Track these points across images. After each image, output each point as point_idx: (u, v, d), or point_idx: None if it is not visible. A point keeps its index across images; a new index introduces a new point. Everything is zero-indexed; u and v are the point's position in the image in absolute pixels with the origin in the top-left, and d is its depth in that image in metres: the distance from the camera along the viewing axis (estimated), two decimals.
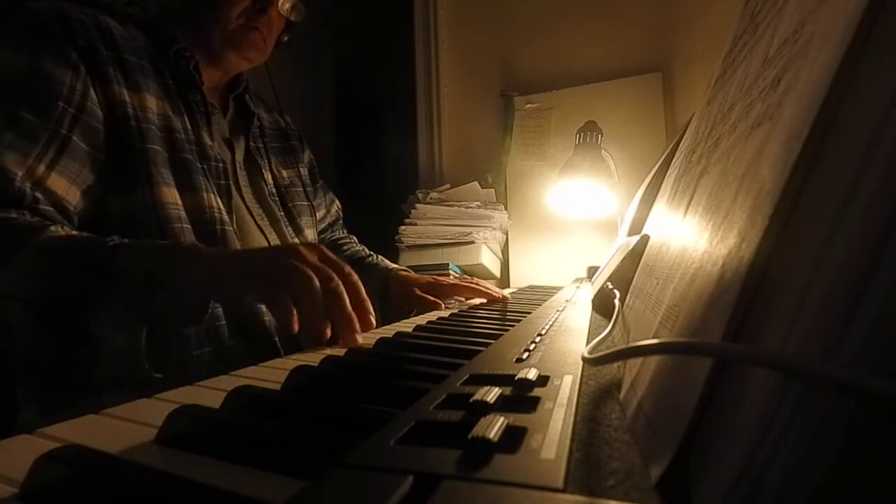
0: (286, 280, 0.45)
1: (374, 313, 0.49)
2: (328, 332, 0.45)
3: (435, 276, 0.91)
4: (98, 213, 0.63)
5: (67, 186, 0.60)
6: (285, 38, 0.85)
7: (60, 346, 0.57)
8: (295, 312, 0.44)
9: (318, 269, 0.47)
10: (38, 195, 0.57)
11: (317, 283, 0.45)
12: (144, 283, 0.49)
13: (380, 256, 1.04)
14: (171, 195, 0.66)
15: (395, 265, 1.00)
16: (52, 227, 0.54)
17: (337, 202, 1.10)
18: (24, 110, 0.57)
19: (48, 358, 0.62)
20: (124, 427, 0.25)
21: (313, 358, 0.40)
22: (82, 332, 0.54)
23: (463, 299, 0.89)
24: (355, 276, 0.50)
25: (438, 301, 0.80)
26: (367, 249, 1.05)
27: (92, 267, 0.51)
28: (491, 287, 0.90)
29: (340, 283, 0.47)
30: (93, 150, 0.62)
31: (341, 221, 1.12)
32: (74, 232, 0.56)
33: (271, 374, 0.37)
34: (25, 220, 0.54)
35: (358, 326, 0.46)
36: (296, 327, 0.44)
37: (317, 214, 0.98)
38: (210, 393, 0.32)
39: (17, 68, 0.58)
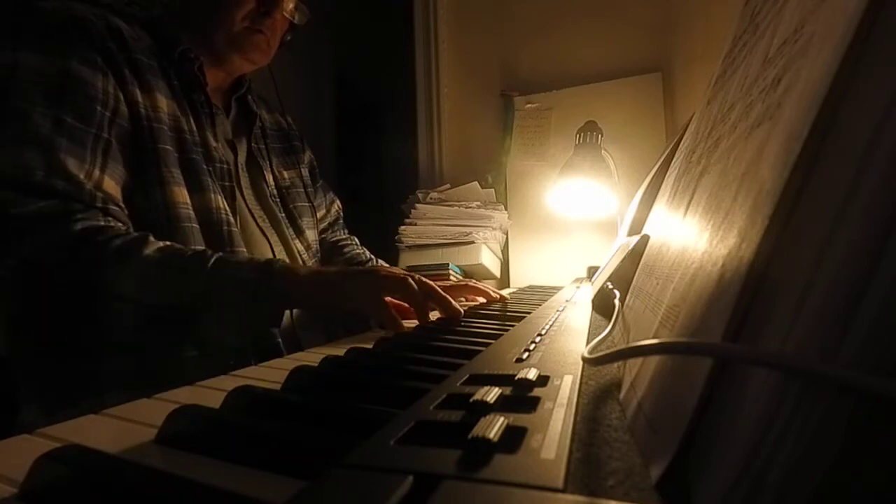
0: (386, 286, 0.58)
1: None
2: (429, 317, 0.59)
3: (433, 282, 0.92)
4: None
5: (115, 187, 0.62)
6: (287, 38, 0.85)
7: (159, 343, 0.62)
8: (388, 313, 0.56)
9: (406, 273, 0.60)
10: (103, 197, 0.59)
11: (410, 280, 0.58)
12: (247, 294, 0.56)
13: (380, 261, 1.04)
14: (182, 195, 0.66)
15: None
16: (150, 238, 0.58)
17: (337, 202, 1.10)
18: (68, 115, 0.58)
19: (50, 358, 0.62)
20: (124, 427, 0.25)
21: (313, 358, 0.40)
22: (190, 332, 0.60)
23: (463, 300, 0.88)
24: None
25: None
26: (367, 252, 1.05)
27: (196, 278, 0.56)
28: (488, 287, 0.90)
29: (426, 280, 0.60)
30: (125, 150, 0.64)
31: (342, 221, 1.11)
32: (169, 243, 0.60)
33: (271, 374, 0.37)
34: (119, 230, 0.58)
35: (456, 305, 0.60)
36: (402, 324, 0.56)
37: (317, 214, 0.98)
38: (210, 393, 0.32)
39: (50, 72, 0.58)
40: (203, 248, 0.62)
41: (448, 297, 0.60)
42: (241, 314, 0.56)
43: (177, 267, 0.57)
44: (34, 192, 0.54)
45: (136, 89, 0.65)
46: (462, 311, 0.60)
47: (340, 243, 1.05)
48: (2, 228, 0.53)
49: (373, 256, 1.04)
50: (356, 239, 1.10)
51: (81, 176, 0.57)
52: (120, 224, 0.60)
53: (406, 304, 0.60)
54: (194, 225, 0.67)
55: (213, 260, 0.57)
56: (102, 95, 0.61)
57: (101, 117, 0.61)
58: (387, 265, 1.03)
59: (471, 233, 1.35)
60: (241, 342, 0.57)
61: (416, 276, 0.60)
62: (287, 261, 0.83)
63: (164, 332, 0.60)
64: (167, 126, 0.68)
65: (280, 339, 0.71)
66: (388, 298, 0.59)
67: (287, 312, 0.76)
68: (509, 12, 1.59)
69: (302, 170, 0.97)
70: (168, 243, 0.59)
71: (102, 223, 0.58)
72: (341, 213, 1.11)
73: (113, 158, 0.61)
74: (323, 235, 1.04)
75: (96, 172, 0.59)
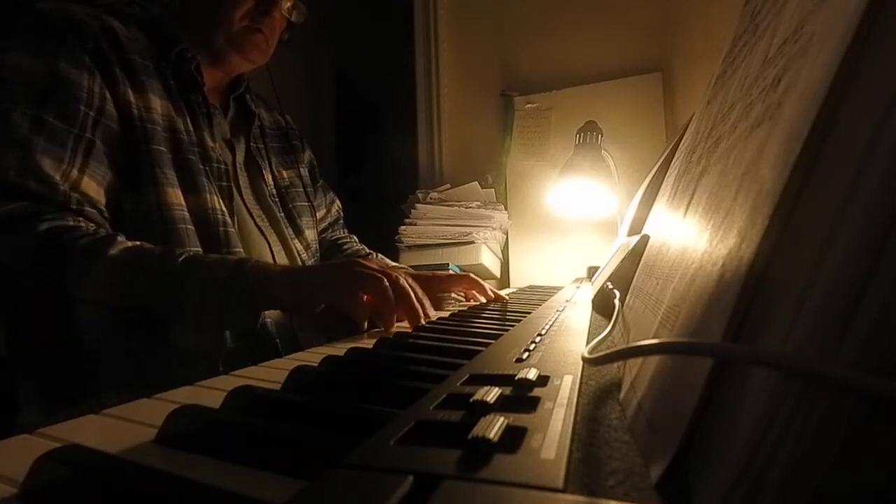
0: (362, 283, 0.54)
1: (430, 307, 0.59)
2: (394, 323, 0.54)
3: (434, 272, 0.91)
4: (114, 213, 0.64)
5: (97, 189, 0.61)
6: (285, 37, 0.85)
7: (133, 347, 0.60)
8: (364, 311, 0.53)
9: (384, 273, 0.55)
10: (79, 198, 0.58)
11: (386, 282, 0.54)
12: (220, 294, 0.53)
13: (380, 255, 1.03)
14: (176, 196, 0.66)
15: (395, 263, 0.99)
16: (119, 238, 0.56)
17: (338, 202, 1.10)
18: (50, 115, 0.57)
19: (49, 358, 0.62)
20: (124, 427, 0.25)
21: (313, 358, 0.40)
22: (159, 336, 0.58)
23: (461, 294, 0.88)
24: (411, 280, 0.58)
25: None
26: (367, 248, 1.05)
27: (166, 279, 0.54)
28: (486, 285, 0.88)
29: (404, 283, 0.56)
30: (111, 151, 0.63)
31: (342, 221, 1.11)
32: (139, 242, 0.58)
33: (271, 374, 0.37)
34: (88, 230, 0.57)
35: (423, 316, 0.56)
36: (365, 325, 0.53)
37: (317, 214, 0.98)
38: (210, 393, 0.32)
39: (36, 72, 0.58)
40: (173, 247, 0.60)
41: (418, 308, 0.55)
42: (214, 316, 0.54)
43: (145, 267, 0.54)
44: (6, 193, 0.54)
45: (128, 90, 0.65)
46: (431, 318, 0.56)
47: (340, 241, 1.05)
48: None
49: (373, 252, 1.03)
50: (356, 238, 1.10)
51: (57, 177, 0.56)
52: (91, 225, 0.58)
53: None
54: (189, 226, 0.66)
55: (181, 259, 0.55)
56: (87, 95, 0.60)
57: (85, 117, 0.60)
58: (381, 259, 1.02)
59: (471, 233, 1.35)
60: (215, 347, 0.55)
61: (394, 275, 0.56)
62: (287, 263, 0.83)
63: (137, 336, 0.58)
64: (161, 127, 0.67)
65: (279, 340, 0.71)
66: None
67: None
68: (509, 12, 1.59)
69: (301, 169, 0.97)
70: (138, 243, 0.58)
71: (71, 223, 0.56)
72: (341, 214, 1.11)
73: (96, 159, 0.60)
74: (322, 235, 1.04)
75: (74, 173, 0.58)
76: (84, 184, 0.59)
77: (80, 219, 0.58)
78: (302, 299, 0.56)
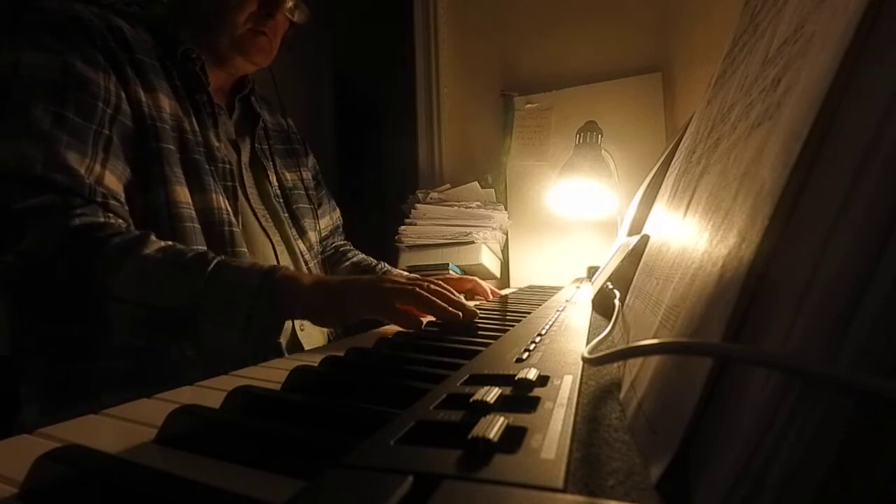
0: (399, 298, 0.54)
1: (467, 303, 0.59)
2: (456, 312, 0.54)
3: (447, 276, 0.90)
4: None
5: (117, 183, 0.62)
6: (288, 37, 0.85)
7: (150, 345, 0.61)
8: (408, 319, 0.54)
9: (412, 282, 0.57)
10: (104, 192, 0.59)
11: (420, 290, 0.55)
12: (247, 300, 0.54)
13: (387, 265, 1.04)
14: (184, 194, 0.67)
15: (405, 273, 0.99)
16: (152, 237, 0.57)
17: (338, 210, 1.11)
18: (70, 111, 0.58)
19: (51, 357, 0.62)
20: (124, 427, 0.25)
21: (313, 358, 0.40)
22: (189, 336, 0.58)
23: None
24: (441, 283, 0.60)
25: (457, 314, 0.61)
26: (371, 258, 1.07)
27: (197, 280, 0.54)
28: (488, 285, 0.89)
29: (436, 287, 0.57)
30: (126, 148, 0.64)
31: (341, 229, 1.12)
32: (171, 242, 0.59)
33: (271, 374, 0.37)
34: (120, 227, 0.58)
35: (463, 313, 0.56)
36: (423, 319, 0.55)
37: (321, 222, 0.99)
38: (210, 393, 0.32)
39: (52, 69, 0.58)
40: (205, 249, 0.61)
41: (462, 300, 0.57)
42: (240, 320, 0.54)
43: (178, 267, 0.55)
44: (34, 185, 0.54)
45: (138, 89, 0.65)
46: (477, 313, 0.56)
47: (342, 248, 1.07)
48: (2, 223, 0.53)
49: (381, 262, 1.04)
50: (351, 245, 1.12)
51: (82, 170, 0.57)
52: (120, 221, 0.60)
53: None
54: (196, 225, 0.67)
55: (214, 262, 0.56)
56: (105, 93, 0.61)
57: (103, 114, 0.60)
58: (395, 270, 1.03)
59: (471, 233, 1.35)
60: (239, 350, 0.55)
61: (425, 284, 0.57)
62: (290, 263, 0.83)
63: (160, 333, 0.59)
64: (169, 126, 0.68)
65: (280, 339, 0.71)
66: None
67: None
68: (509, 12, 1.59)
69: (303, 172, 0.97)
70: (169, 243, 0.59)
71: (102, 219, 0.57)
72: (341, 221, 1.12)
73: (114, 155, 0.61)
74: (324, 242, 1.04)
75: (97, 167, 0.59)
76: (106, 178, 0.60)
77: (110, 214, 0.59)
78: (335, 314, 0.56)
